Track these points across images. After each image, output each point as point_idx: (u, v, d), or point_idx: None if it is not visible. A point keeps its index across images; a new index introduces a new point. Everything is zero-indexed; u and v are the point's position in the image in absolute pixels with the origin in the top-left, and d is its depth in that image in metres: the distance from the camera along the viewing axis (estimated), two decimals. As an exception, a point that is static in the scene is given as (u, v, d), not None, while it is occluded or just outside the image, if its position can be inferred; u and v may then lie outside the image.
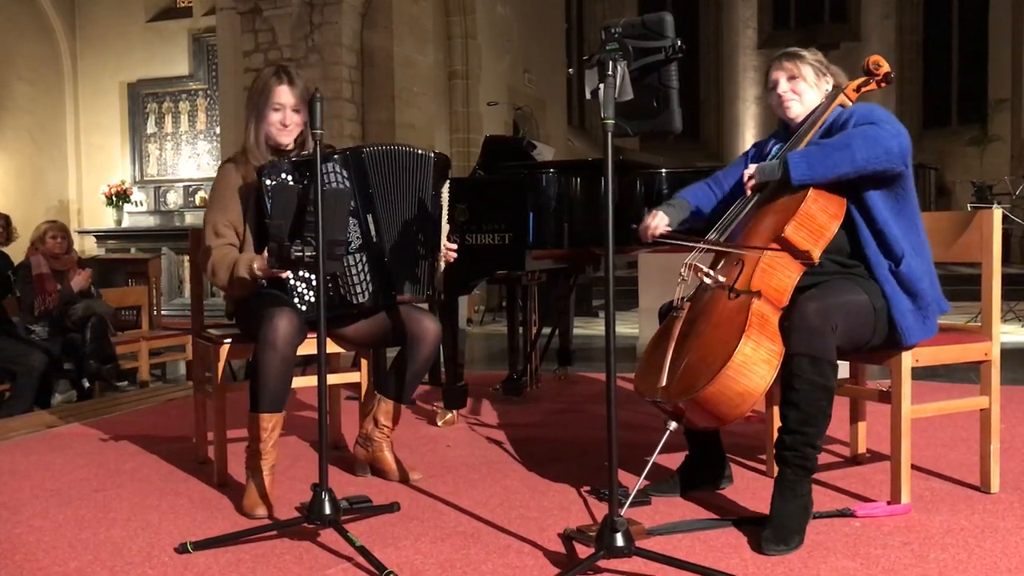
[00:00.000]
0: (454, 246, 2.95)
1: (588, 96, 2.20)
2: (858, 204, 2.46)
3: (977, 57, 18.43)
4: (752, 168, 2.56)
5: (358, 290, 2.74)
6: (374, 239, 2.77)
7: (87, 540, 2.39)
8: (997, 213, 2.60)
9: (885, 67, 2.69)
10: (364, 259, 2.75)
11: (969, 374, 4.13)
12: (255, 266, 2.63)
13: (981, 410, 2.65)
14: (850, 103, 2.62)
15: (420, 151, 2.89)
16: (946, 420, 3.47)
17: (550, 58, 13.94)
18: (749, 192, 2.57)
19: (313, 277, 2.67)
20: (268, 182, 2.64)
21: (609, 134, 2.05)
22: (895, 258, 2.44)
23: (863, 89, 2.68)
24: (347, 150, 2.81)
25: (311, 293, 2.68)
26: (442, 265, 2.93)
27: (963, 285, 6.17)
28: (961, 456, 3.04)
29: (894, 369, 2.49)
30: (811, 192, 2.39)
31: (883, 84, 2.70)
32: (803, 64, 2.63)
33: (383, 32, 8.28)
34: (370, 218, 2.77)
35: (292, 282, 2.67)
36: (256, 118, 2.82)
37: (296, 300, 2.67)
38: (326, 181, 2.68)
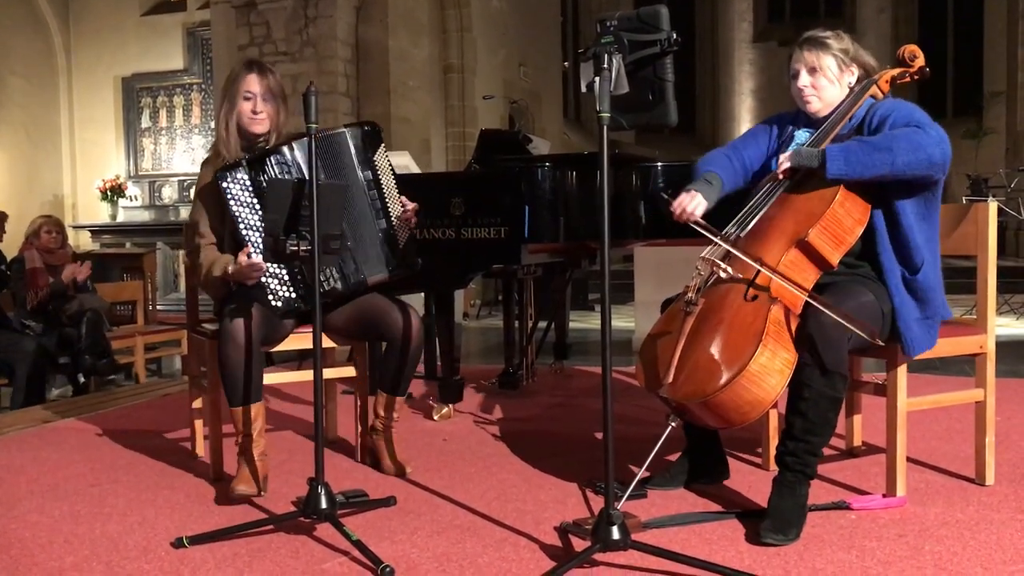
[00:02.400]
0: (413, 206, 2.91)
1: (584, 89, 2.19)
2: (885, 209, 2.40)
3: (972, 50, 18.43)
4: (787, 156, 2.44)
5: (323, 277, 2.72)
6: None
7: (83, 535, 2.39)
8: (992, 206, 2.60)
9: (921, 59, 2.58)
10: None
11: (964, 367, 4.14)
12: (229, 268, 2.65)
13: (976, 403, 2.65)
14: (882, 95, 2.54)
15: (344, 130, 2.88)
16: (941, 413, 3.48)
17: (546, 51, 13.91)
18: (781, 177, 2.46)
19: (284, 272, 2.69)
20: (224, 184, 2.65)
21: (605, 128, 2.05)
22: (913, 266, 2.40)
23: (898, 81, 2.58)
24: (291, 140, 2.78)
25: (284, 288, 2.69)
26: (405, 233, 2.90)
27: (958, 278, 6.17)
28: (956, 448, 3.05)
29: (890, 362, 2.49)
30: (839, 195, 2.33)
31: (917, 77, 2.59)
32: (825, 55, 2.51)
33: (378, 26, 8.26)
34: None
35: (264, 279, 2.67)
36: (228, 107, 2.83)
37: (270, 296, 2.68)
38: (276, 173, 2.69)
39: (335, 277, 2.77)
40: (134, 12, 10.89)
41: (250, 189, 2.66)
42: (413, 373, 2.94)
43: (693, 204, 2.50)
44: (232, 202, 2.65)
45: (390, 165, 2.95)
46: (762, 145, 2.71)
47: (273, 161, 2.71)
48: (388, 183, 2.90)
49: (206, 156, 2.96)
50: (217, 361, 2.65)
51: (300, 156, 2.73)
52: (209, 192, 2.79)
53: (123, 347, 5.85)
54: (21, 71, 10.58)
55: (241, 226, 2.64)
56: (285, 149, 2.74)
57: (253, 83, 2.81)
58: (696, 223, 2.47)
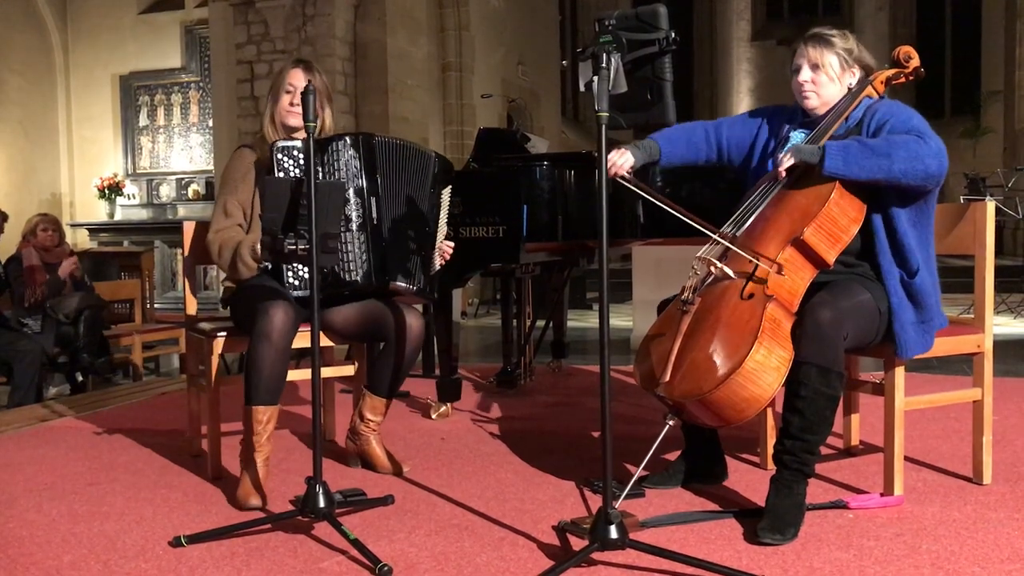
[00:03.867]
0: (451, 245, 3.01)
1: (582, 88, 2.19)
2: (881, 212, 2.41)
3: (970, 49, 18.44)
4: (788, 154, 2.40)
5: (351, 267, 2.73)
6: (375, 221, 2.78)
7: (81, 534, 2.39)
8: (990, 205, 2.60)
9: (916, 60, 2.59)
10: (363, 238, 2.76)
11: (962, 366, 4.14)
12: (258, 247, 2.64)
13: (974, 402, 2.65)
14: (876, 95, 2.54)
15: (426, 151, 2.96)
16: (939, 412, 3.48)
17: (544, 50, 13.91)
18: (783, 175, 2.43)
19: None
20: (280, 156, 2.68)
21: (603, 127, 2.05)
22: (909, 269, 2.41)
23: (893, 82, 2.59)
24: (360, 133, 2.86)
25: (305, 269, 2.68)
26: (437, 263, 2.97)
27: (956, 277, 6.18)
28: (954, 448, 3.05)
29: (887, 361, 2.49)
30: (835, 194, 2.33)
31: (912, 77, 2.61)
32: (829, 53, 2.51)
33: (376, 24, 8.26)
34: (373, 201, 2.78)
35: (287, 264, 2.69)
36: (272, 101, 2.90)
37: (290, 276, 2.69)
38: (336, 159, 2.74)
39: (363, 271, 2.75)
40: (132, 10, 10.88)
41: (302, 166, 2.68)
42: (407, 375, 2.94)
43: (623, 160, 2.60)
44: (279, 172, 2.68)
45: (449, 206, 3.06)
46: (748, 131, 2.72)
47: (332, 148, 2.74)
48: (442, 218, 3.00)
49: (247, 143, 3.00)
50: (248, 358, 2.61)
51: (356, 151, 2.76)
52: (247, 172, 2.85)
53: (121, 345, 5.84)
54: (19, 69, 10.57)
55: None
56: (349, 141, 2.76)
57: (296, 77, 2.85)
58: (623, 178, 2.57)
